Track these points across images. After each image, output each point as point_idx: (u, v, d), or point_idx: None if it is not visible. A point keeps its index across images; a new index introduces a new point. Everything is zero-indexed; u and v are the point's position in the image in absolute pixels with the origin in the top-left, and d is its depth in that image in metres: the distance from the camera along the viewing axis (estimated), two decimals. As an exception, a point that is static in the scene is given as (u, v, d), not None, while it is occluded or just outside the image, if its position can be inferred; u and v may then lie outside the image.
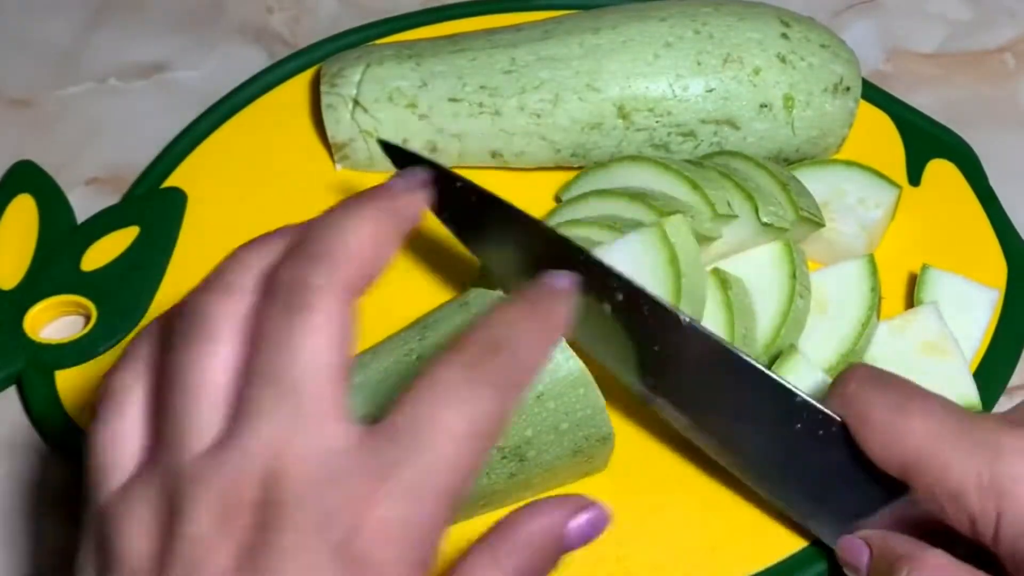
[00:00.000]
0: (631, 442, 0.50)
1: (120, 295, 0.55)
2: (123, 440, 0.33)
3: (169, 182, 0.60)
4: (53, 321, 0.55)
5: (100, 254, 0.56)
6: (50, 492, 0.51)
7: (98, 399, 0.35)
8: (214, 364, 0.32)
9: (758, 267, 0.52)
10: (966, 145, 0.62)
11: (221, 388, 0.32)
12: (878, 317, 0.52)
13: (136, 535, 0.31)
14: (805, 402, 0.43)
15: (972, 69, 0.67)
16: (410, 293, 0.54)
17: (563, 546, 0.34)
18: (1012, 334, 0.54)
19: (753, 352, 0.50)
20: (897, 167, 0.60)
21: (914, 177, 0.60)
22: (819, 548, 0.47)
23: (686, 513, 0.48)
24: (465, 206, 0.46)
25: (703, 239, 0.51)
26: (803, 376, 0.48)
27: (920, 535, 0.41)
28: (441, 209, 0.46)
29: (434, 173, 0.39)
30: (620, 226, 0.51)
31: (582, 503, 0.35)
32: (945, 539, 0.40)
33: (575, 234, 0.51)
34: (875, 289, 0.52)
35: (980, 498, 0.38)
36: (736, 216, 0.52)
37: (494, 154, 0.58)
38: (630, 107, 0.56)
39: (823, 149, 0.58)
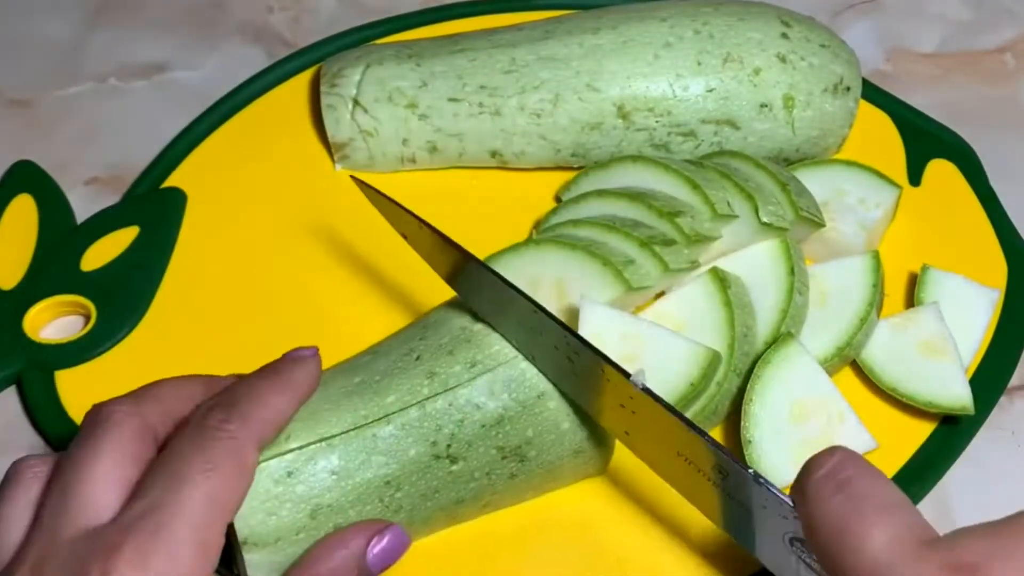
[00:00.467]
0: (631, 442, 0.50)
1: (120, 295, 0.55)
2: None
3: (169, 182, 0.60)
4: (53, 321, 0.55)
5: (100, 254, 0.56)
6: (50, 492, 0.51)
7: None
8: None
9: (756, 264, 0.52)
10: (966, 145, 0.62)
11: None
12: (879, 315, 0.52)
13: None
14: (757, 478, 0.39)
15: (972, 69, 0.67)
16: (410, 293, 0.54)
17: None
18: (1012, 334, 0.54)
19: (754, 349, 0.50)
20: (897, 167, 0.60)
21: (914, 177, 0.60)
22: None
23: (686, 515, 0.48)
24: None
25: (704, 239, 0.51)
26: (796, 365, 0.48)
27: None
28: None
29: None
30: (620, 226, 0.51)
31: (379, 527, 0.42)
32: None
33: (575, 234, 0.51)
34: (877, 285, 0.52)
35: None
36: (736, 216, 0.52)
37: (494, 154, 0.58)
38: (630, 107, 0.56)
39: (823, 149, 0.58)
